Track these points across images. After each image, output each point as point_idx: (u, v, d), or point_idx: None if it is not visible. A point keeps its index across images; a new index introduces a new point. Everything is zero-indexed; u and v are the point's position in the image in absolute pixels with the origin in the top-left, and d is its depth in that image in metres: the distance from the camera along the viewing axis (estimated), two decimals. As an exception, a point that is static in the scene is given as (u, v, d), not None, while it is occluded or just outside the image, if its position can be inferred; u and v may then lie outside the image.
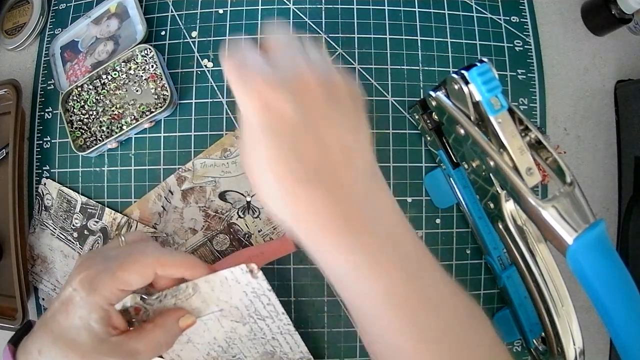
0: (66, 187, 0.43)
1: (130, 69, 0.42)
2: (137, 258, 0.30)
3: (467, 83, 0.29)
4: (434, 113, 0.37)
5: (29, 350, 0.30)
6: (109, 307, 0.30)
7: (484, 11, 0.44)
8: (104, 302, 0.29)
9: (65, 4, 0.47)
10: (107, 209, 0.42)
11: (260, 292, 0.31)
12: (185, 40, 0.43)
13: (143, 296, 0.32)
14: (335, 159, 0.24)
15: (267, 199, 0.26)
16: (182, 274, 0.32)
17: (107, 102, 0.42)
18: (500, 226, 0.35)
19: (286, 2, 0.44)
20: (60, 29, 0.46)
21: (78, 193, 0.43)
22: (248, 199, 0.41)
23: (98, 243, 0.41)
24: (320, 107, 0.24)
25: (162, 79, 0.41)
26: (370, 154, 0.26)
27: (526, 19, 0.44)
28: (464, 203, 0.39)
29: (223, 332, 0.33)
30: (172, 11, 0.44)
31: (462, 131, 0.32)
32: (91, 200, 0.42)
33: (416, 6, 0.44)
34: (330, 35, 0.43)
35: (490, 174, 0.33)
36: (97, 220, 0.42)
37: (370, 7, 0.44)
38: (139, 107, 0.41)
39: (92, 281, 0.29)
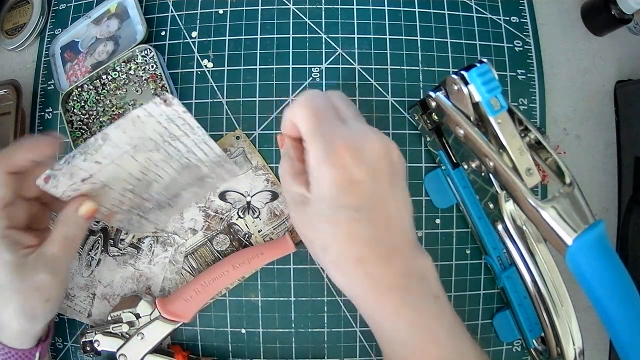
0: (66, 187, 0.43)
1: (130, 69, 0.42)
2: None
3: (466, 84, 0.29)
4: (433, 113, 0.37)
5: None
6: (8, 232, 0.30)
7: (484, 11, 0.44)
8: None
9: (65, 4, 0.47)
10: (107, 209, 0.42)
11: (174, 116, 0.30)
12: (185, 41, 0.43)
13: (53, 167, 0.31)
14: (395, 229, 0.27)
15: (333, 265, 0.27)
16: (30, 159, 0.31)
17: (108, 102, 0.42)
18: (500, 226, 0.35)
19: (286, 2, 0.44)
20: (60, 29, 0.46)
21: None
22: (248, 199, 0.41)
23: (98, 243, 0.41)
24: (385, 179, 0.27)
25: (162, 79, 0.41)
26: (411, 218, 0.29)
27: (526, 19, 0.44)
28: (463, 203, 0.39)
29: (137, 165, 0.33)
30: (172, 11, 0.44)
31: (461, 132, 0.32)
32: (91, 201, 0.42)
33: (416, 6, 0.44)
34: (330, 35, 0.43)
35: (490, 175, 0.33)
36: (98, 220, 0.42)
37: (370, 7, 0.44)
38: (139, 108, 0.41)
39: None
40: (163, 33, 0.44)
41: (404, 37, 0.43)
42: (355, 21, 0.43)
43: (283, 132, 0.30)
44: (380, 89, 0.42)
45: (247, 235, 0.41)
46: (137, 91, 0.42)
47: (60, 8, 0.47)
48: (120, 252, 0.41)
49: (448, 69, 0.43)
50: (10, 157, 0.30)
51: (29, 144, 0.31)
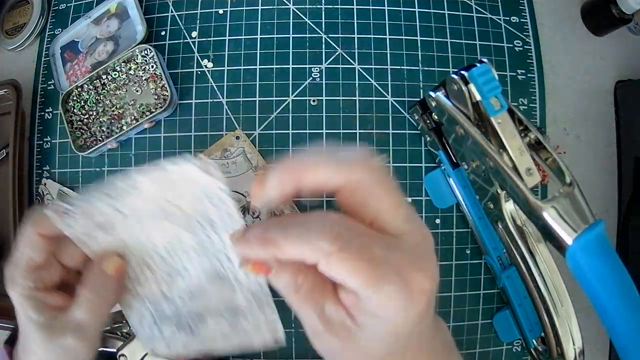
0: (66, 187, 0.43)
1: (130, 69, 0.42)
2: (20, 232, 0.28)
3: (466, 83, 0.29)
4: (433, 113, 0.37)
5: (16, 352, 0.31)
6: (34, 293, 0.28)
7: (484, 11, 0.44)
8: (24, 290, 0.28)
9: (65, 4, 0.47)
10: (107, 209, 0.41)
11: (214, 194, 0.24)
12: (185, 41, 0.43)
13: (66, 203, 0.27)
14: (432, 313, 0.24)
15: None
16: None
17: (107, 102, 0.42)
18: (500, 226, 0.35)
19: (286, 2, 0.44)
20: (60, 29, 0.46)
21: (78, 193, 0.43)
22: (248, 199, 0.41)
23: (98, 243, 0.41)
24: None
25: (162, 79, 0.41)
26: None
27: (526, 19, 0.44)
28: (463, 203, 0.39)
29: (162, 237, 0.28)
30: (172, 11, 0.44)
31: (461, 131, 0.32)
32: (91, 201, 0.42)
33: (416, 6, 0.44)
34: (330, 35, 0.43)
35: (490, 175, 0.33)
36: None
37: (370, 7, 0.44)
38: (139, 108, 0.41)
39: (7, 278, 0.28)
40: (163, 33, 0.44)
41: (404, 37, 0.43)
42: (355, 21, 0.43)
43: (278, 259, 0.21)
44: (380, 89, 0.42)
45: (247, 235, 0.41)
46: (137, 91, 0.42)
47: (60, 8, 0.47)
48: (120, 252, 0.41)
49: (448, 69, 0.43)
50: (39, 219, 0.28)
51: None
